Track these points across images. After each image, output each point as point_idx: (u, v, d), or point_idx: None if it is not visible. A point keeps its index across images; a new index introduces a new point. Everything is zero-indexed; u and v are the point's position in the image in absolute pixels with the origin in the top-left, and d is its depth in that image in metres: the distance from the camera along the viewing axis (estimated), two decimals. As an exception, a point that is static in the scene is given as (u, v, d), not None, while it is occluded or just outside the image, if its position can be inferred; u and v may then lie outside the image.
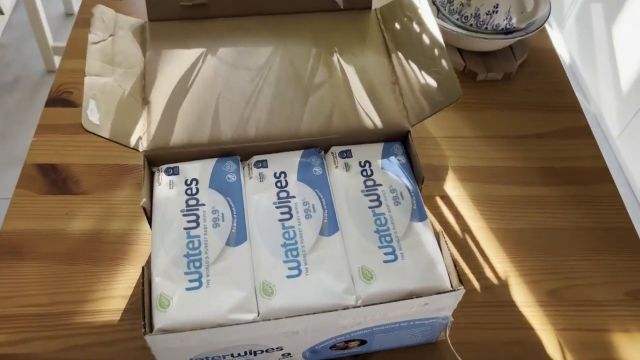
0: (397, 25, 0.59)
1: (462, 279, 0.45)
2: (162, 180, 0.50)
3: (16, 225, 0.58)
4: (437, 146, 0.68)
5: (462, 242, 0.60)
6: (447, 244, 0.46)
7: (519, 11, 0.69)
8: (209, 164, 0.51)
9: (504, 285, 0.57)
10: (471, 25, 0.70)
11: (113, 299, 0.54)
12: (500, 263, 0.59)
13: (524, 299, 0.56)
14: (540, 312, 0.55)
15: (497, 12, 0.68)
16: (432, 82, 0.54)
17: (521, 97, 0.74)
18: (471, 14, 0.69)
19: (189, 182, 0.49)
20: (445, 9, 0.72)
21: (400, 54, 0.58)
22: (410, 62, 0.56)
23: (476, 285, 0.57)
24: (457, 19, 0.71)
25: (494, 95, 0.74)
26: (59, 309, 0.53)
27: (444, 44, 0.55)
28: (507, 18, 0.69)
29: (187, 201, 0.48)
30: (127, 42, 0.56)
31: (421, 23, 0.57)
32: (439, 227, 0.61)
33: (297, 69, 0.56)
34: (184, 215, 0.47)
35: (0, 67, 1.75)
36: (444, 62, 0.54)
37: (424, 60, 0.55)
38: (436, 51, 0.55)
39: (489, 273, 0.58)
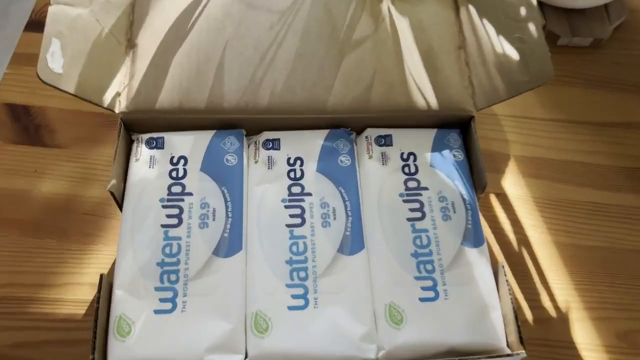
0: (473, -32, 0.44)
1: (523, 337, 0.33)
2: (142, 154, 0.38)
3: (-25, 179, 0.48)
4: (497, 127, 0.54)
5: (516, 256, 0.48)
6: (508, 284, 0.34)
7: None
8: (204, 138, 0.39)
9: (563, 319, 0.45)
10: (564, -27, 0.54)
11: (80, 286, 0.44)
12: (562, 290, 0.47)
13: (587, 341, 0.45)
14: (606, 360, 0.44)
15: (602, -42, 0.52)
16: (513, 54, 0.40)
17: (612, 72, 0.58)
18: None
19: (175, 161, 0.38)
20: (532, -52, 0.56)
21: (472, 8, 0.43)
22: (484, 21, 0.42)
23: (528, 315, 0.45)
24: (547, -36, 0.55)
25: (577, 66, 0.59)
26: (16, 293, 0.44)
27: (534, 1, 0.40)
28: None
29: (170, 187, 0.37)
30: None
31: (506, -32, 0.42)
32: (499, 257, 0.48)
33: (333, 17, 0.42)
34: (163, 206, 0.36)
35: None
36: (532, 27, 0.39)
37: (505, 20, 0.41)
38: (523, 10, 0.40)
39: (546, 302, 0.46)
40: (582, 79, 0.58)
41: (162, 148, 0.38)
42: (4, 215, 0.47)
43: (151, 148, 0.38)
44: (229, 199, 0.36)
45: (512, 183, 0.51)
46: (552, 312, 0.46)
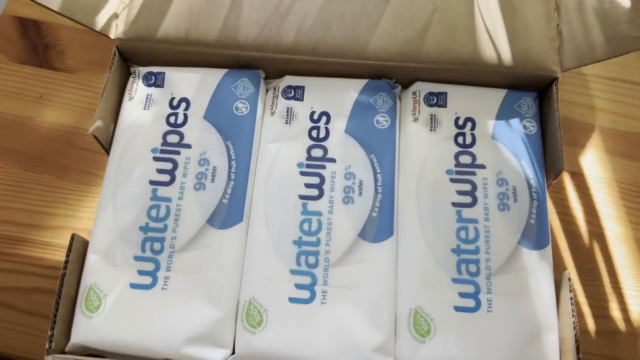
0: None
1: (584, 374, 0.26)
2: (137, 91, 0.31)
3: (-23, 102, 0.43)
4: (584, 89, 0.44)
5: (585, 253, 0.39)
6: (573, 301, 0.27)
7: None
8: (211, 78, 0.32)
9: (633, 334, 0.37)
10: None
11: (75, 231, 0.39)
12: (638, 299, 0.38)
13: (661, 364, 0.37)
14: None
15: None
16: (624, -2, 0.29)
17: None
18: None
19: (175, 104, 0.31)
20: None
21: None
22: (590, -50, 0.32)
23: (590, 325, 0.38)
24: None
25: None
26: (6, 231, 0.40)
27: None
28: None
29: (165, 135, 0.30)
30: None
31: None
32: (565, 256, 0.39)
33: None
34: (155, 158, 0.30)
35: None
36: (657, -38, 0.29)
37: (619, -49, 0.30)
38: (648, -63, 0.29)
39: (615, 311, 0.38)
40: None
41: (162, 86, 0.31)
42: (2, 144, 0.42)
43: (149, 85, 0.31)
44: (233, 157, 0.30)
45: (594, 161, 0.42)
46: (621, 325, 0.38)
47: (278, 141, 0.31)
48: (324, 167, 0.30)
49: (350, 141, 0.30)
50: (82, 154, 0.42)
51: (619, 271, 0.39)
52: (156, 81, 0.31)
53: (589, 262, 0.40)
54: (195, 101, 0.31)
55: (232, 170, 0.29)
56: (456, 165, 0.30)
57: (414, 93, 0.32)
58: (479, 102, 0.31)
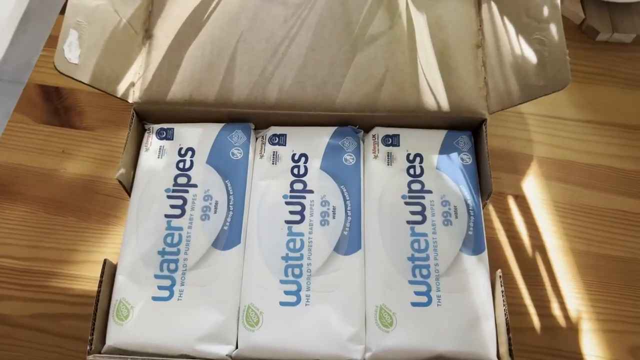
0: (499, -38, 0.42)
1: (513, 350, 0.32)
2: (152, 144, 0.39)
3: (8, 157, 0.51)
4: (522, 125, 0.53)
5: (530, 262, 0.47)
6: (504, 295, 0.34)
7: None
8: (212, 131, 0.39)
9: (573, 330, 0.44)
10: (606, -35, 0.51)
11: (97, 264, 0.46)
12: (575, 299, 0.45)
13: (598, 353, 0.43)
14: (615, 374, 0.43)
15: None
16: (531, 56, 0.38)
17: (654, 72, 0.55)
18: (610, -50, 0.50)
19: (183, 152, 0.39)
20: (574, -62, 0.53)
21: (494, 5, 0.41)
22: (505, 19, 0.40)
23: (536, 323, 0.44)
24: (588, -45, 0.52)
25: (615, 64, 0.55)
26: (38, 267, 0.46)
27: (558, 1, 0.38)
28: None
29: (176, 178, 0.38)
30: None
31: (533, -37, 0.40)
32: (511, 262, 0.47)
33: (349, 12, 0.42)
34: (168, 196, 0.37)
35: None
36: (553, 29, 0.37)
37: (526, 20, 0.39)
38: (546, 10, 0.38)
39: (556, 310, 0.45)
40: (620, 77, 0.55)
41: (172, 139, 0.39)
42: (31, 192, 0.49)
43: (161, 139, 0.39)
44: (231, 193, 0.37)
45: (533, 186, 0.50)
46: (562, 321, 0.45)
47: (267, 179, 0.38)
48: (304, 197, 0.37)
49: (325, 176, 0.38)
50: (101, 198, 0.49)
51: (558, 276, 0.46)
52: (167, 135, 0.39)
53: (533, 270, 0.47)
54: (199, 150, 0.39)
55: (230, 203, 0.37)
56: (409, 192, 0.37)
57: (374, 136, 0.40)
58: (425, 141, 0.39)
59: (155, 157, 0.38)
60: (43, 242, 0.47)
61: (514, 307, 0.45)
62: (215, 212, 0.36)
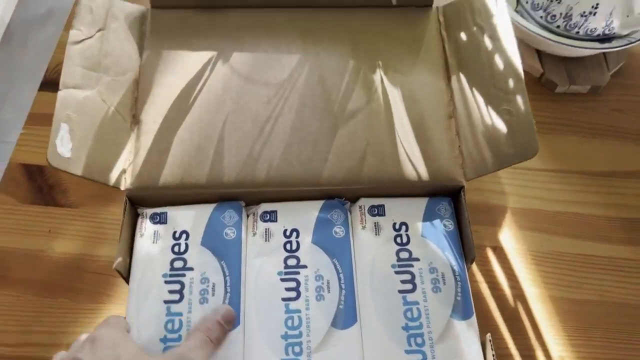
0: (463, 36, 0.46)
1: (509, 412, 0.34)
2: (146, 229, 0.40)
3: (-7, 239, 0.50)
4: (495, 178, 0.56)
5: (512, 312, 0.49)
6: (495, 356, 0.36)
7: (624, 14, 0.53)
8: (204, 213, 0.41)
9: (558, 376, 0.46)
10: (558, 27, 0.55)
11: (91, 346, 0.46)
12: (557, 345, 0.48)
13: (581, 397, 0.46)
14: (600, 416, 0.45)
15: (595, 13, 0.53)
16: (501, 126, 0.41)
17: (610, 120, 0.59)
18: (560, 14, 0.54)
19: (177, 236, 0.40)
20: (527, 2, 0.57)
21: (462, 77, 0.44)
22: (475, 90, 0.43)
23: (523, 372, 0.47)
24: (542, 17, 0.56)
25: (574, 114, 0.59)
26: (30, 352, 0.46)
27: (522, 74, 0.41)
28: (607, 22, 0.54)
29: (172, 262, 0.39)
30: (121, 37, 0.45)
31: (495, 38, 0.43)
32: (495, 313, 0.49)
33: (328, 89, 0.44)
34: (166, 282, 0.38)
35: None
36: (519, 100, 0.41)
37: (494, 91, 0.42)
38: (511, 82, 0.41)
39: (540, 357, 0.47)
40: (579, 127, 0.59)
41: (165, 223, 0.40)
42: (19, 276, 0.49)
43: (155, 223, 0.40)
44: (227, 274, 0.38)
45: (509, 236, 0.52)
46: (546, 367, 0.47)
47: (260, 256, 0.40)
48: (298, 272, 0.39)
49: (317, 250, 0.40)
50: (92, 277, 0.49)
51: (539, 323, 0.49)
52: (160, 219, 0.40)
53: (514, 319, 0.49)
54: (193, 232, 0.40)
55: (227, 284, 0.38)
56: (398, 260, 0.39)
57: (360, 207, 0.42)
58: (408, 210, 0.41)
59: (150, 242, 0.39)
60: (34, 326, 0.47)
61: (500, 358, 0.47)
62: (213, 294, 0.38)
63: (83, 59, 0.42)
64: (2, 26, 1.57)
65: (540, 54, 0.61)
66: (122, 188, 0.40)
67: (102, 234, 0.51)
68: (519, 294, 0.50)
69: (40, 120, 0.57)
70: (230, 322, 0.36)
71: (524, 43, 0.60)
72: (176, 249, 0.39)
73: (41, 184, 0.54)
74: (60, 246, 0.51)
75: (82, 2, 0.43)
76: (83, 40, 0.42)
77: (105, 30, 0.44)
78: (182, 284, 0.38)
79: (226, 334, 0.36)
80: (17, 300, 0.48)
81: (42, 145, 0.55)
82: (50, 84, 0.59)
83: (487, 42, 0.44)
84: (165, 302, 0.37)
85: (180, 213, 0.40)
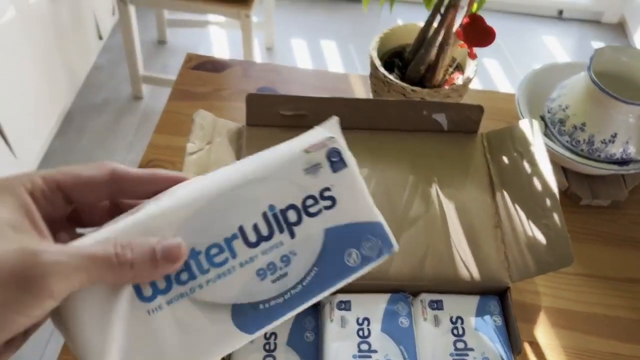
0: (505, 159, 0.55)
1: None
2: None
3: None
4: (530, 280, 0.63)
5: (550, 403, 0.54)
6: None
7: (639, 142, 0.63)
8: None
9: None
10: (582, 150, 0.65)
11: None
12: None
13: None
14: None
15: (614, 141, 0.63)
16: (541, 237, 0.49)
17: (630, 231, 0.67)
18: (584, 140, 0.64)
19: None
20: (554, 128, 0.67)
21: (505, 194, 0.53)
22: (516, 205, 0.52)
23: None
24: (567, 142, 0.66)
25: (598, 225, 0.67)
26: None
27: (557, 195, 0.50)
28: (624, 149, 0.63)
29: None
30: (223, 149, 0.55)
31: (533, 163, 0.52)
32: None
33: (393, 200, 0.53)
34: None
35: (92, 89, 1.83)
36: (555, 217, 0.49)
37: (533, 207, 0.51)
38: (548, 201, 0.50)
39: None
40: (603, 237, 0.67)
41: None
42: None
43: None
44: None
45: (544, 333, 0.59)
46: None
47: (338, 340, 0.46)
48: (370, 357, 0.45)
49: (385, 337, 0.46)
50: None
51: (576, 416, 0.54)
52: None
53: (553, 411, 0.54)
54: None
55: (312, 366, 0.45)
56: (455, 350, 0.46)
57: (421, 301, 0.49)
58: (463, 305, 0.49)
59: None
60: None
61: None
62: (299, 372, 0.44)
63: (196, 167, 0.51)
64: (62, 113, 1.73)
65: (565, 170, 0.70)
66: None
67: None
68: (556, 387, 0.55)
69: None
70: (170, 260, 0.26)
71: (551, 161, 0.69)
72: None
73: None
74: None
75: (196, 121, 0.53)
76: (196, 151, 0.52)
77: (212, 143, 0.54)
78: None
79: (154, 277, 0.26)
80: None
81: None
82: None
83: (526, 166, 0.53)
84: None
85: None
